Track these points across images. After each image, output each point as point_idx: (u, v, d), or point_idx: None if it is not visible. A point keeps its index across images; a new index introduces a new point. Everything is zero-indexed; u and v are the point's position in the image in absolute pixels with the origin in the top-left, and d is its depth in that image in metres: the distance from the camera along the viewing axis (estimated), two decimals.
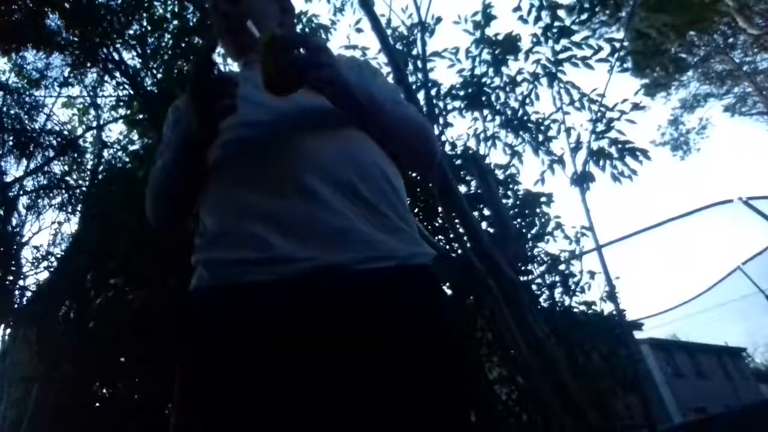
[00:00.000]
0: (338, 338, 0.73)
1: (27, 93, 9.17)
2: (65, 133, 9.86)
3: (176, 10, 6.68)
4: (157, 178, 0.96)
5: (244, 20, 0.98)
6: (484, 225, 4.68)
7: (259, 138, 0.88)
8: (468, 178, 5.25)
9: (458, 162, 5.17)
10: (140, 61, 6.73)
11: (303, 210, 0.80)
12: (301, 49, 0.79)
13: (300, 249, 0.77)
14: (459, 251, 4.26)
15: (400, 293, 0.78)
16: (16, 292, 8.32)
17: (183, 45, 6.34)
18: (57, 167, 9.83)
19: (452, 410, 0.73)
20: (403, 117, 0.99)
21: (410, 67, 4.96)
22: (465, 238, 3.65)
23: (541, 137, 4.92)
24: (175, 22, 6.68)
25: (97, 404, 5.09)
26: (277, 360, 0.72)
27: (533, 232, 5.35)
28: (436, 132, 4.59)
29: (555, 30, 4.63)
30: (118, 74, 6.77)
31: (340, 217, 0.79)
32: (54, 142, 9.40)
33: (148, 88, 6.51)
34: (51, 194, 9.80)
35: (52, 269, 8.31)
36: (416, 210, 5.15)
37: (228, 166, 0.89)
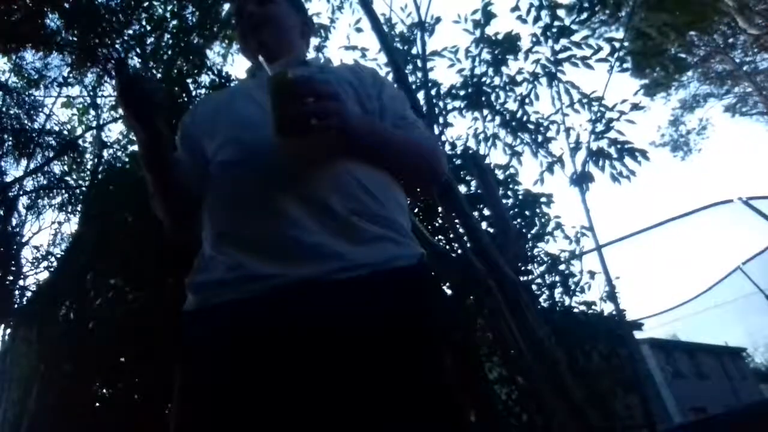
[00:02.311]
0: (310, 351, 0.73)
1: (26, 93, 9.17)
2: (65, 133, 9.87)
3: (176, 10, 6.69)
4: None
5: (269, 23, 1.08)
6: (484, 225, 4.67)
7: (239, 158, 0.90)
8: (468, 178, 5.25)
9: (458, 162, 5.17)
10: (140, 60, 6.74)
11: (273, 228, 0.81)
12: (311, 98, 0.81)
13: (269, 266, 0.79)
14: (459, 251, 4.25)
15: (371, 299, 0.77)
16: (16, 292, 8.33)
17: (182, 45, 6.34)
18: (57, 167, 9.85)
19: (419, 411, 0.72)
20: (409, 144, 0.99)
21: (410, 66, 4.96)
22: (465, 238, 3.65)
23: (540, 138, 4.92)
24: (175, 21, 6.69)
25: (97, 404, 5.09)
26: (249, 375, 0.73)
27: (533, 232, 5.35)
28: (436, 132, 4.58)
29: (554, 29, 4.62)
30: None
31: (310, 233, 0.80)
32: (54, 142, 9.40)
33: None
34: (51, 194, 9.80)
35: (52, 269, 8.31)
36: (416, 210, 5.15)
37: (214, 187, 0.92)
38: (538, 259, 5.39)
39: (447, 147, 5.19)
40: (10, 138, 8.92)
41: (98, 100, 9.84)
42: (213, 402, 0.73)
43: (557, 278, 5.24)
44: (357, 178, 0.87)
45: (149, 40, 6.72)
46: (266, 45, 1.09)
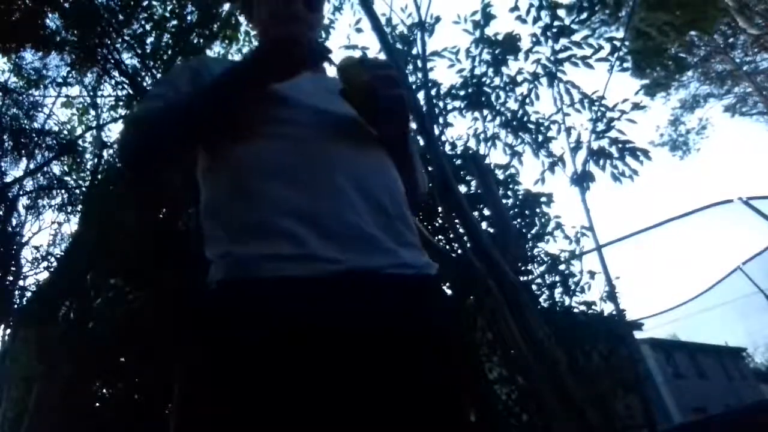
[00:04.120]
0: (370, 338, 0.76)
1: (26, 93, 9.16)
2: (65, 133, 9.86)
3: (176, 10, 6.68)
4: (168, 111, 0.92)
5: (312, 29, 1.10)
6: (484, 225, 4.67)
7: (297, 136, 0.88)
8: (468, 178, 5.25)
9: (458, 162, 5.17)
10: (139, 60, 6.74)
11: (336, 213, 0.82)
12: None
13: (333, 250, 0.79)
14: (459, 251, 4.25)
15: (423, 298, 0.84)
16: (16, 292, 8.33)
17: (182, 44, 6.34)
18: (57, 167, 9.84)
19: (462, 411, 0.80)
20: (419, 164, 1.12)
21: (410, 66, 4.96)
22: (465, 238, 3.65)
23: (540, 138, 4.92)
24: (175, 21, 6.68)
25: (97, 404, 5.09)
26: (311, 356, 0.72)
27: (533, 232, 5.35)
28: (437, 132, 4.59)
29: (554, 29, 4.62)
30: (117, 74, 6.77)
31: (370, 225, 0.83)
32: (53, 143, 9.39)
33: (148, 88, 6.50)
34: (51, 194, 9.80)
35: (52, 269, 8.31)
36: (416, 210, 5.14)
37: (260, 156, 0.87)
38: (538, 259, 5.39)
39: (447, 147, 5.19)
40: (10, 138, 8.92)
41: (98, 100, 9.83)
42: (250, 389, 0.70)
43: (557, 278, 5.24)
44: (401, 189, 0.95)
45: (149, 40, 6.72)
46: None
